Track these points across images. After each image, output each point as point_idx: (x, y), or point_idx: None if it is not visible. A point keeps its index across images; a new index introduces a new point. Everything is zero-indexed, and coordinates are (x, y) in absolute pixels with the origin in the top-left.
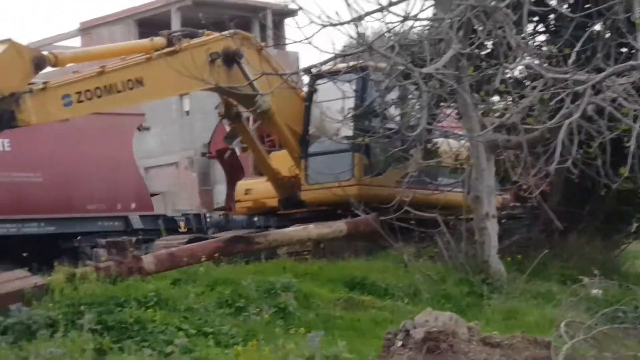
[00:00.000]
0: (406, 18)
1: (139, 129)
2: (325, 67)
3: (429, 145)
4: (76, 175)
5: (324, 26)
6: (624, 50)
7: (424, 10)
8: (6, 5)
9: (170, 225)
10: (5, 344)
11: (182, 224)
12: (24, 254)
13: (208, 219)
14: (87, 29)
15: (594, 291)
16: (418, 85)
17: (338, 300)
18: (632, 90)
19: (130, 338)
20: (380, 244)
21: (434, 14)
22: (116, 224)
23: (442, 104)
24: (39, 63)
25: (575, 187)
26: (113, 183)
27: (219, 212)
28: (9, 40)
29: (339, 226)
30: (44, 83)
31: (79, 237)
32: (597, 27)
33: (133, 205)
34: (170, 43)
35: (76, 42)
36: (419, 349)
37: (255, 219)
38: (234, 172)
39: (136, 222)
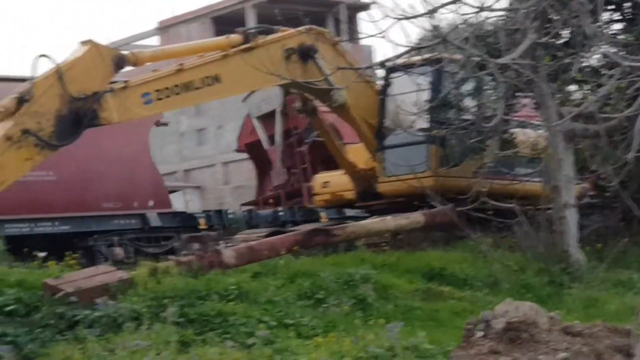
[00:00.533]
0: (481, 9)
1: (156, 124)
2: (399, 60)
3: (506, 136)
4: (91, 173)
5: (398, 19)
6: None
7: (498, 0)
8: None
9: (190, 223)
10: (92, 337)
11: (202, 221)
12: (41, 254)
13: (230, 216)
14: (164, 28)
15: None
16: (494, 76)
17: (417, 291)
18: None
19: (213, 330)
20: (458, 235)
21: (510, 4)
22: (132, 222)
23: (518, 94)
24: (119, 62)
25: None
26: (129, 180)
27: (243, 209)
28: (90, 41)
29: (416, 217)
30: (125, 82)
31: (94, 236)
32: None
33: (150, 203)
34: (246, 40)
35: (154, 41)
36: (499, 339)
37: (281, 213)
38: (263, 166)
39: (153, 220)
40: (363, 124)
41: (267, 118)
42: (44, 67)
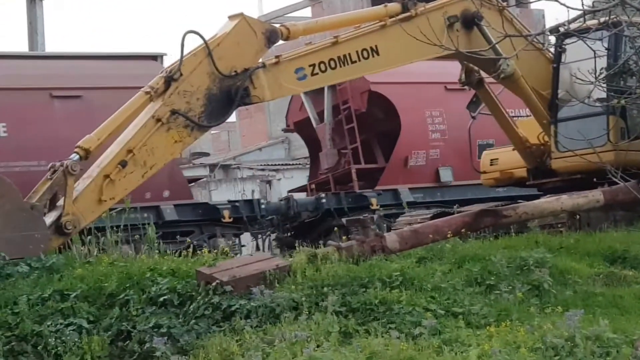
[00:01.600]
0: None
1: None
2: (573, 25)
3: None
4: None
5: None
6: None
7: None
8: None
9: (212, 215)
10: (249, 328)
11: (226, 213)
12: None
13: (263, 206)
14: None
15: None
16: None
17: (598, 275)
18: None
19: (376, 320)
20: None
21: None
22: (145, 215)
23: None
24: (272, 37)
25: None
26: None
27: (285, 196)
28: (240, 15)
29: (595, 196)
30: (277, 57)
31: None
32: None
33: (166, 194)
34: (405, 9)
35: (307, 12)
36: None
37: (324, 200)
38: (314, 147)
39: (169, 213)
40: (534, 96)
41: (317, 92)
42: (193, 45)
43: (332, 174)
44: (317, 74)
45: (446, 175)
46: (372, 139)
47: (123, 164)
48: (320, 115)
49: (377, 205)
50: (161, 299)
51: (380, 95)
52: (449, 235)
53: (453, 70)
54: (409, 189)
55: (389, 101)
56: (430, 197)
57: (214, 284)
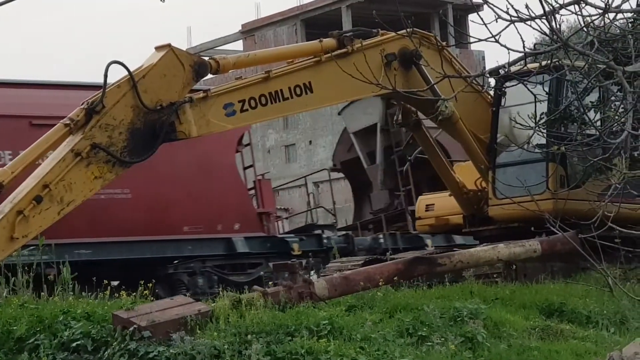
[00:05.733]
0: (607, 10)
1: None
2: (514, 68)
3: (636, 154)
4: (170, 191)
5: (513, 22)
6: None
7: (626, 1)
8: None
9: (282, 249)
10: None
11: (295, 246)
12: (112, 282)
13: (325, 241)
14: (249, 31)
15: None
16: (621, 85)
17: (533, 329)
18: None
19: None
20: (580, 265)
21: (639, 5)
22: (216, 247)
23: None
24: (200, 70)
25: None
26: (213, 201)
27: (339, 234)
28: (168, 46)
29: (533, 245)
30: (205, 92)
31: (175, 262)
32: None
33: (237, 226)
34: (341, 44)
35: (238, 45)
36: None
37: (382, 240)
38: (361, 187)
39: (240, 245)
40: (472, 139)
41: (367, 133)
42: (116, 76)
43: (385, 214)
44: (246, 110)
45: None
46: (423, 182)
47: (38, 199)
48: (370, 156)
49: (432, 246)
50: (74, 344)
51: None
52: (380, 283)
53: None
54: None
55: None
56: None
57: (131, 328)
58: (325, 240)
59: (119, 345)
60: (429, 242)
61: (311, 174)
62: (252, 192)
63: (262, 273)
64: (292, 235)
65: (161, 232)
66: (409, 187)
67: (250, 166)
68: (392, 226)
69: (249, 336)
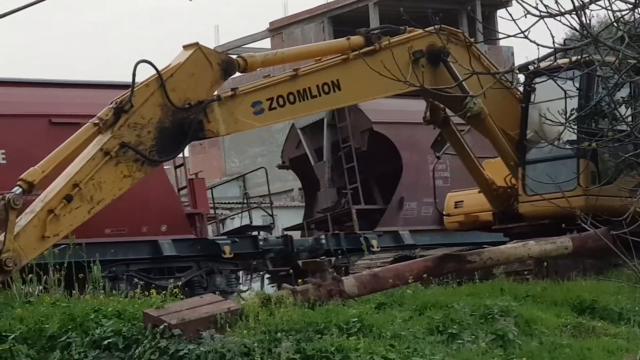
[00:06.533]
0: (637, 5)
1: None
2: (544, 64)
3: None
4: None
5: (542, 17)
6: None
7: None
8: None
9: (212, 251)
10: None
11: (227, 248)
12: None
13: (261, 242)
14: (277, 29)
15: None
16: None
17: (565, 326)
18: None
19: None
20: (612, 262)
21: None
22: (141, 250)
23: None
24: (228, 68)
25: None
26: (136, 201)
27: (282, 234)
28: (195, 44)
29: (564, 242)
30: (233, 90)
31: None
32: None
33: (164, 228)
34: (368, 42)
35: (266, 43)
36: None
37: (323, 240)
38: (309, 184)
39: (167, 248)
40: (502, 136)
41: (314, 129)
42: (145, 75)
43: (331, 213)
44: (274, 108)
45: None
46: (371, 179)
47: (69, 198)
48: (318, 152)
49: (377, 247)
50: (105, 342)
51: (382, 135)
52: (410, 281)
53: None
54: (410, 231)
55: (390, 141)
56: (432, 240)
57: (161, 326)
58: (261, 242)
59: (149, 343)
60: (374, 242)
61: (248, 172)
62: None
63: (192, 276)
64: (224, 237)
65: (80, 234)
66: (355, 185)
67: (182, 165)
68: (343, 226)
69: (279, 334)
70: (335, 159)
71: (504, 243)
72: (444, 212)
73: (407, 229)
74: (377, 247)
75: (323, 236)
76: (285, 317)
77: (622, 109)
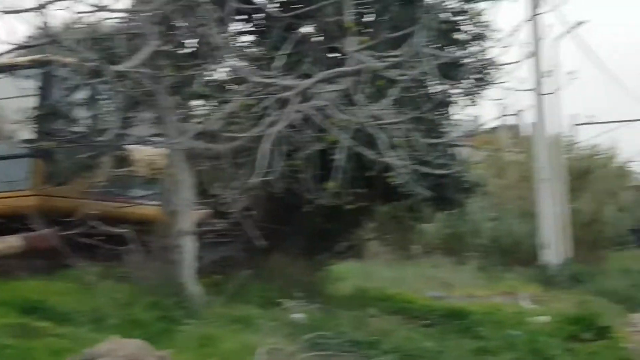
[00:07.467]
0: (98, 8)
1: None
2: (2, 60)
3: (121, 153)
4: None
5: (7, 13)
6: (335, 55)
7: (119, 0)
8: None
9: None
10: None
11: None
12: None
13: None
14: None
15: (296, 315)
16: (110, 84)
17: (9, 326)
18: (340, 99)
19: None
20: (62, 263)
21: (132, 5)
22: None
23: (138, 106)
24: None
25: (279, 203)
26: None
27: None
28: None
29: (15, 241)
30: None
31: None
32: (307, 29)
33: None
34: None
35: None
36: None
37: None
38: None
39: None
40: None
41: None
42: None
43: None
44: None
45: None
46: None
47: None
48: None
49: None
50: None
51: None
52: None
53: None
54: None
55: None
56: None
57: None
58: None
59: None
60: None
61: None
62: None
63: None
64: None
65: None
66: None
67: None
68: None
69: None
70: None
71: None
72: None
73: None
74: None
75: None
76: None
77: (80, 111)
